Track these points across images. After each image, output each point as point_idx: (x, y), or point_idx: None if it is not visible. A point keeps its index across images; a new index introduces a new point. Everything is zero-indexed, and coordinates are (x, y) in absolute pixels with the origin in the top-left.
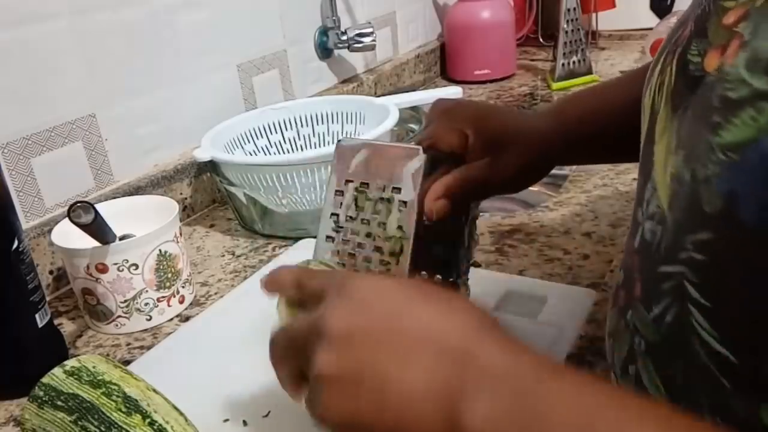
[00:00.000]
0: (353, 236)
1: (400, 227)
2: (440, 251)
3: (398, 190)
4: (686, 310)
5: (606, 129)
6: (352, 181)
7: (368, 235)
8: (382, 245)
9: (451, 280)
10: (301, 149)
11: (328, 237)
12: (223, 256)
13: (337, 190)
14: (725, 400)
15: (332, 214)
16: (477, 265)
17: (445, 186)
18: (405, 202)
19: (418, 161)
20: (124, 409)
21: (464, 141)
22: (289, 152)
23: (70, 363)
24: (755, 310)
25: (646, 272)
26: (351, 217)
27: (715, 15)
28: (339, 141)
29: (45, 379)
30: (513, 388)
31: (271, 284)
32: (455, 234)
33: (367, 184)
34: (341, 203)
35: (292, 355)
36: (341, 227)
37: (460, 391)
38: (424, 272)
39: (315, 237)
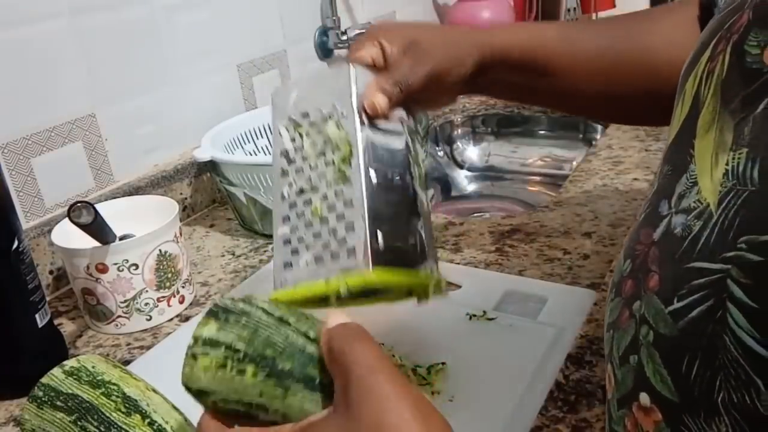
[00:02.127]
0: (304, 162)
1: (346, 137)
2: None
3: (336, 108)
4: (723, 308)
5: (539, 61)
6: (293, 118)
7: (319, 155)
8: (333, 157)
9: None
10: None
11: (283, 172)
12: (223, 256)
13: (283, 128)
14: (752, 397)
15: (281, 152)
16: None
17: (376, 85)
18: (344, 114)
19: (347, 73)
20: (123, 409)
21: (381, 48)
22: None
23: (69, 363)
24: None
25: (669, 265)
26: (298, 149)
27: None
28: (277, 88)
29: (44, 380)
30: None
31: None
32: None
33: (307, 113)
34: (289, 138)
35: None
36: (293, 160)
37: None
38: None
39: None
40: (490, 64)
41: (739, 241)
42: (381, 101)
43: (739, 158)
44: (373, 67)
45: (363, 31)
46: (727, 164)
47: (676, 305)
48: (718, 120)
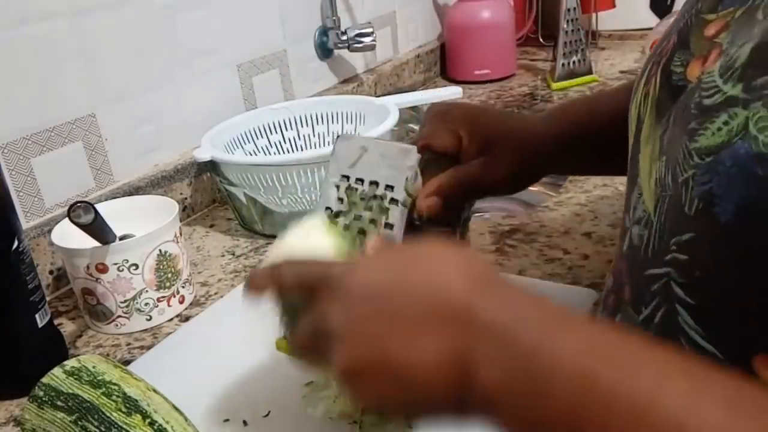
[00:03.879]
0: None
1: (391, 225)
2: None
3: (391, 188)
4: (674, 310)
5: (598, 137)
6: (348, 177)
7: (360, 231)
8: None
9: None
10: (301, 149)
11: None
12: (223, 256)
13: (333, 185)
14: None
15: (327, 208)
16: None
17: (437, 185)
18: (397, 200)
19: (412, 159)
20: (124, 409)
21: (457, 141)
22: (289, 152)
23: (70, 363)
24: (736, 304)
25: (634, 276)
26: (344, 212)
27: (697, 27)
28: (338, 137)
29: (45, 379)
30: (517, 348)
31: (253, 291)
32: (447, 236)
33: (362, 180)
34: (336, 197)
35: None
36: (335, 224)
37: (465, 359)
38: None
39: None
40: (558, 158)
41: (671, 243)
42: (433, 206)
43: (661, 166)
44: (443, 153)
45: (364, 31)
46: (657, 173)
47: (645, 313)
48: (651, 134)
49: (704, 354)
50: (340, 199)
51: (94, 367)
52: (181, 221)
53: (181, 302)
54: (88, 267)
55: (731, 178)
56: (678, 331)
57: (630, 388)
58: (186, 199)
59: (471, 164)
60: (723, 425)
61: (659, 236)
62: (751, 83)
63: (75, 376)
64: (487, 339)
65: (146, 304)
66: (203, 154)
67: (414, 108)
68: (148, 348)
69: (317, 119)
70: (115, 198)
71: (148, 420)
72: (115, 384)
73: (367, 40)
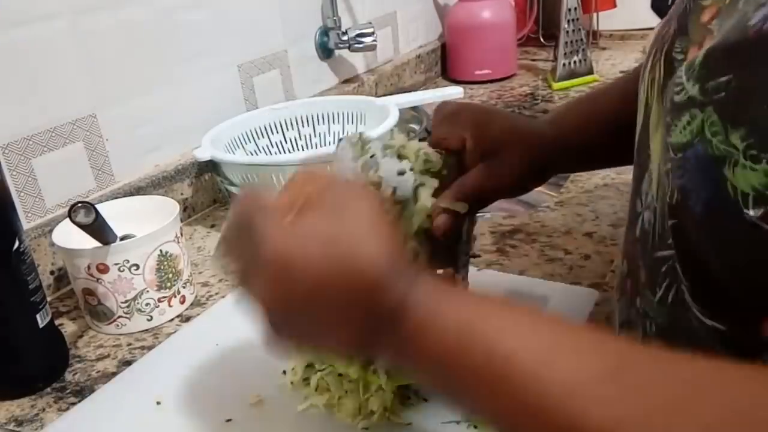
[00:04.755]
0: None
1: None
2: (439, 248)
3: (394, 189)
4: (681, 290)
5: (601, 135)
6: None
7: None
8: None
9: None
10: (303, 149)
11: None
12: None
13: None
14: None
15: None
16: (476, 256)
17: (446, 201)
18: (400, 202)
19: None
20: None
21: (462, 145)
22: (290, 152)
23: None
24: (722, 285)
25: (647, 259)
26: None
27: (694, 12)
28: (341, 138)
29: None
30: (407, 328)
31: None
32: (454, 234)
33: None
34: None
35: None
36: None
37: (371, 337)
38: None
39: None
40: (563, 160)
41: (668, 227)
42: (444, 224)
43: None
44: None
45: (364, 31)
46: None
47: (659, 294)
48: (659, 120)
49: (711, 330)
50: None
51: None
52: (181, 221)
53: (182, 302)
54: (88, 267)
55: (697, 177)
56: (687, 309)
57: (494, 345)
58: (187, 199)
59: (474, 175)
60: (576, 378)
61: (660, 220)
62: (705, 85)
63: None
64: (389, 318)
65: (147, 304)
66: (204, 154)
67: (415, 108)
68: (149, 348)
69: (318, 119)
70: (115, 198)
71: None
72: None
73: (367, 40)
